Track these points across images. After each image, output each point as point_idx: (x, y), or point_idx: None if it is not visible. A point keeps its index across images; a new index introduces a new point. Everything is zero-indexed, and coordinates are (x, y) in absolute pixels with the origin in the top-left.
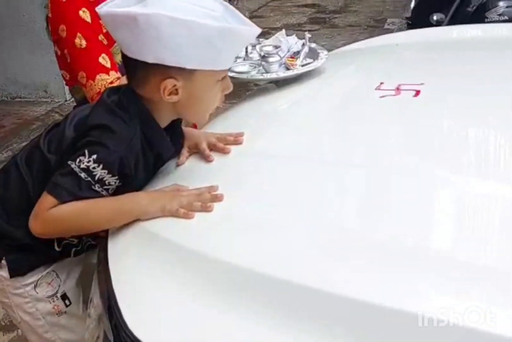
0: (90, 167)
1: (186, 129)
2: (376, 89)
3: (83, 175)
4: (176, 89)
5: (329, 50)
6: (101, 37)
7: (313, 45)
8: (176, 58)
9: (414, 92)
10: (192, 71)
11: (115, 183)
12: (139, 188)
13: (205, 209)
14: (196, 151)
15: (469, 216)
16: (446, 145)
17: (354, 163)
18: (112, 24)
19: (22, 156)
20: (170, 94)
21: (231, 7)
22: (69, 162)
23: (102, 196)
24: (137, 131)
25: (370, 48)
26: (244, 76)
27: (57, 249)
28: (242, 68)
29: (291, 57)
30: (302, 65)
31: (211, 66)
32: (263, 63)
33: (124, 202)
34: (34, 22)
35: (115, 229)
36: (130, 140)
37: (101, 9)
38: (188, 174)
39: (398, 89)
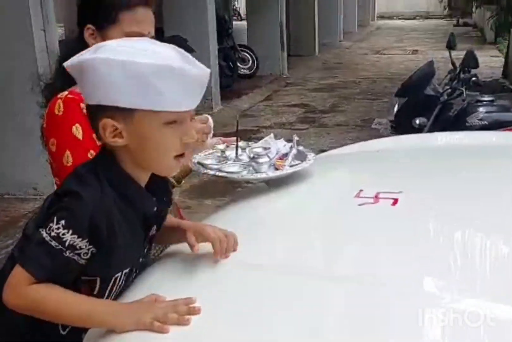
0: (60, 234)
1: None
2: (355, 196)
3: (53, 243)
4: (120, 133)
5: (317, 151)
6: (90, 153)
7: (301, 147)
8: (110, 96)
9: (392, 201)
10: (130, 112)
11: (86, 246)
12: (132, 256)
13: (181, 322)
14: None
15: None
16: (426, 254)
17: (335, 276)
18: (73, 74)
19: (14, 247)
20: (114, 137)
21: (189, 56)
22: (40, 229)
23: (77, 263)
24: (108, 192)
25: (353, 154)
26: (234, 176)
27: (62, 332)
28: (233, 168)
29: (280, 159)
30: (291, 166)
31: (149, 106)
32: (253, 163)
33: (97, 305)
34: (25, 122)
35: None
36: (98, 201)
37: (66, 62)
38: (169, 282)
39: (376, 197)
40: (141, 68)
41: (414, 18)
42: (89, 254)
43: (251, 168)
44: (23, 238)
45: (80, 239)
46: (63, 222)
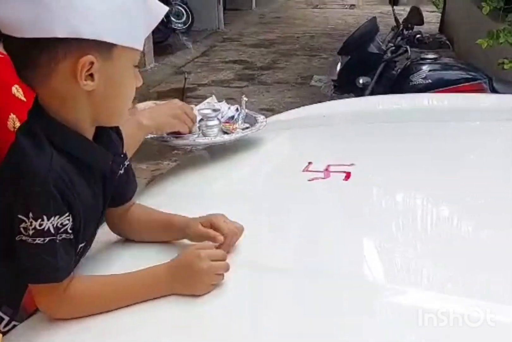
0: (37, 227)
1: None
2: (304, 170)
3: (39, 240)
4: (91, 74)
5: (257, 110)
6: None
7: (248, 110)
8: (94, 29)
9: (344, 175)
10: (110, 49)
11: (69, 219)
12: (92, 224)
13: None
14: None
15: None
16: (381, 236)
17: (281, 265)
18: None
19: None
20: (85, 79)
21: None
22: (17, 238)
23: (70, 240)
24: (52, 153)
25: (299, 120)
26: (185, 141)
27: None
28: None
29: (226, 122)
30: (243, 129)
31: (131, 42)
32: (201, 127)
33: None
34: None
35: None
36: (48, 168)
37: None
38: None
39: (327, 170)
40: None
41: None
42: (70, 224)
43: (200, 132)
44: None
45: (57, 217)
46: (31, 214)
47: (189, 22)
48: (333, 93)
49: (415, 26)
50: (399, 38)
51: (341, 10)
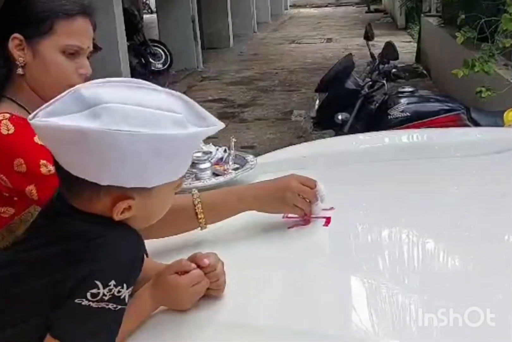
0: (115, 294)
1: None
2: (284, 217)
3: (112, 306)
4: (130, 206)
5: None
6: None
7: (237, 151)
8: (138, 179)
9: (323, 221)
10: (151, 189)
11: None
12: None
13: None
14: None
15: None
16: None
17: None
18: (50, 138)
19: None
20: (122, 212)
21: (188, 99)
22: (76, 301)
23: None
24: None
25: (280, 162)
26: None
27: None
28: None
29: (216, 164)
30: (234, 169)
31: (174, 177)
32: (194, 170)
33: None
34: None
35: None
36: (136, 245)
37: (34, 120)
38: None
39: (308, 216)
40: (172, 142)
41: (326, 6)
42: None
43: (193, 176)
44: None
45: (130, 288)
46: (113, 281)
47: (168, 63)
48: (313, 130)
49: (390, 61)
50: (375, 73)
51: (318, 44)
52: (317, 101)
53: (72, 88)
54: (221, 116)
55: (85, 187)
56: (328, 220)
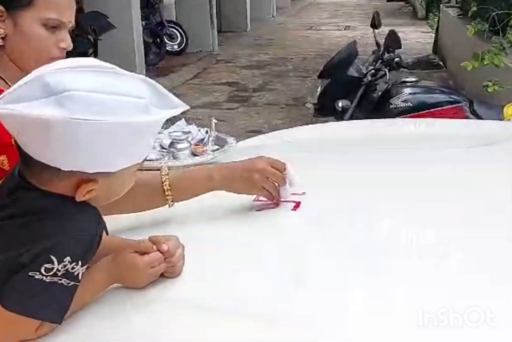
0: (69, 270)
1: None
2: (255, 200)
3: (64, 281)
4: (92, 189)
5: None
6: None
7: (217, 133)
8: (103, 164)
9: (292, 205)
10: (113, 172)
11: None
12: None
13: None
14: None
15: None
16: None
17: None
18: (13, 125)
19: None
20: (84, 195)
21: (152, 81)
22: (29, 274)
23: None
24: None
25: (264, 146)
26: (155, 163)
27: None
28: (151, 155)
29: (196, 145)
30: (213, 151)
31: (138, 160)
32: (172, 149)
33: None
34: None
35: None
36: (98, 224)
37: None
38: None
39: (277, 200)
40: (136, 128)
41: None
42: None
43: (171, 155)
44: None
45: (85, 266)
46: (68, 258)
47: (184, 44)
48: (313, 116)
49: (396, 50)
50: (379, 62)
51: (336, 31)
52: (319, 88)
53: (36, 73)
54: (231, 100)
55: (46, 170)
56: (297, 204)
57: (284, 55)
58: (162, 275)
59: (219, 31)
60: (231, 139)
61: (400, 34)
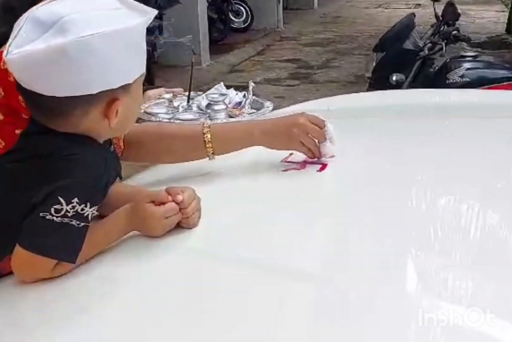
0: (79, 211)
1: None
2: (282, 161)
3: (75, 222)
4: (117, 111)
5: None
6: None
7: (255, 96)
8: (122, 77)
9: (319, 167)
10: (130, 85)
11: (97, 210)
12: None
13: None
14: None
15: None
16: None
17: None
18: (31, 69)
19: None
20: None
21: None
22: (40, 215)
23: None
24: (106, 154)
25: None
26: (192, 123)
27: None
28: (188, 116)
29: (234, 108)
30: (249, 114)
31: (142, 69)
32: (208, 111)
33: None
34: None
35: None
36: (104, 166)
37: (9, 55)
38: None
39: (304, 162)
40: (133, 32)
41: None
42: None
43: (207, 116)
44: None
45: (95, 207)
46: (76, 199)
47: (249, 21)
48: (367, 90)
49: (456, 23)
50: (437, 35)
51: (405, 9)
52: (374, 61)
53: (25, 16)
54: (292, 77)
55: (75, 106)
56: (324, 166)
57: (350, 33)
58: (179, 225)
59: (285, 8)
60: (268, 103)
61: (471, 13)
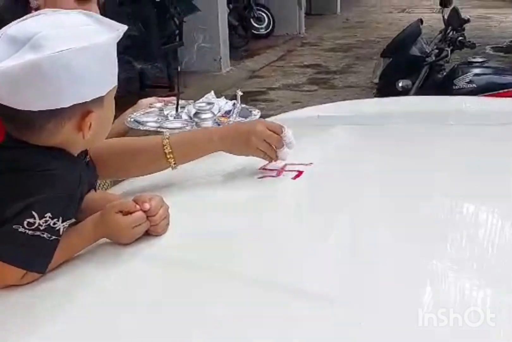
0: (51, 225)
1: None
2: (260, 168)
3: (46, 235)
4: (90, 124)
5: None
6: None
7: (244, 105)
8: (94, 89)
9: (295, 174)
10: (103, 97)
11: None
12: None
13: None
14: None
15: None
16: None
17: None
18: (5, 84)
19: None
20: (89, 128)
21: (91, 13)
22: (13, 227)
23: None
24: (80, 167)
25: (294, 119)
26: (176, 131)
27: None
28: (175, 124)
29: (223, 116)
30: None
31: (115, 81)
32: (195, 119)
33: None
34: None
35: None
36: (79, 180)
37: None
38: None
39: (282, 169)
40: (105, 46)
41: None
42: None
43: (194, 124)
44: None
45: (67, 221)
46: (49, 214)
47: (270, 28)
48: (374, 96)
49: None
50: (444, 41)
51: (429, 14)
52: (381, 67)
53: None
54: (312, 82)
55: (49, 119)
56: (299, 174)
57: (372, 38)
58: (148, 233)
59: (308, 14)
60: (255, 112)
61: (494, 16)
